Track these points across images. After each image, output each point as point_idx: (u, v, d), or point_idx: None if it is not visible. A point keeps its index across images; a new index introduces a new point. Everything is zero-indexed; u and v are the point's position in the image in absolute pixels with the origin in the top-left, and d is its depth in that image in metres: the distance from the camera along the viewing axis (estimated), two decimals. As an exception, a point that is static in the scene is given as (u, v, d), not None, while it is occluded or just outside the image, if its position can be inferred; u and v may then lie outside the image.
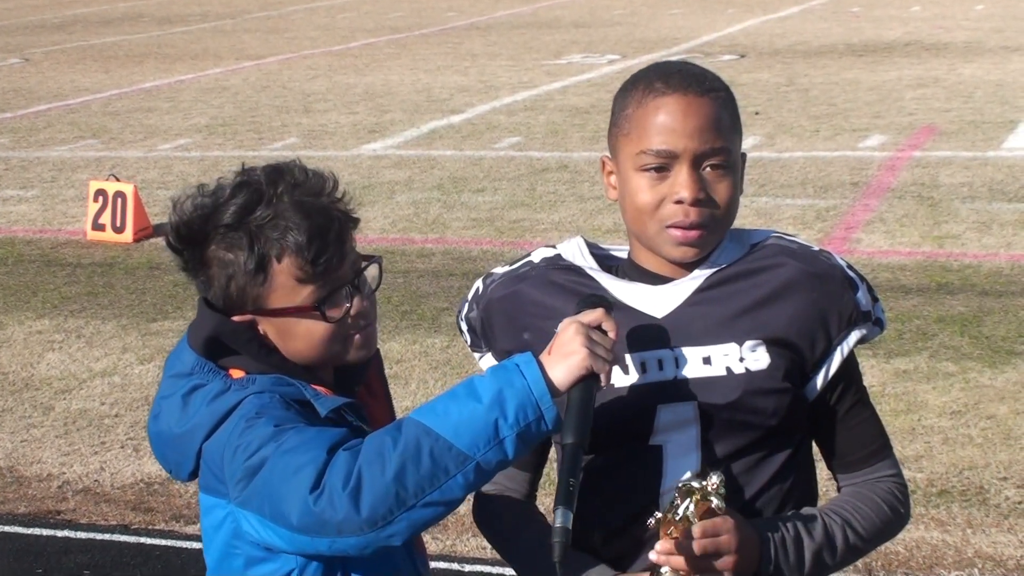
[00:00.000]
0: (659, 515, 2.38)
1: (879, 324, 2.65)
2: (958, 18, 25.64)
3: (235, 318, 2.62)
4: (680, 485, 2.37)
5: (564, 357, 2.36)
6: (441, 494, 2.33)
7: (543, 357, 2.38)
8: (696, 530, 2.37)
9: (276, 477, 2.38)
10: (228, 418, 2.53)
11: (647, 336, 2.56)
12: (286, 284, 2.58)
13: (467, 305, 2.77)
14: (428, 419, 2.34)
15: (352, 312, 2.63)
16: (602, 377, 2.38)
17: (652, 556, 2.40)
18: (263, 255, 2.55)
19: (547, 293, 2.62)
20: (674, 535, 2.38)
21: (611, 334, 2.42)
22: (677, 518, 2.37)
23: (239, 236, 2.56)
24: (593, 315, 2.42)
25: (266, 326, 2.63)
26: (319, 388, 2.62)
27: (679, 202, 2.51)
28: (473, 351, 2.78)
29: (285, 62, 24.10)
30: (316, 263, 2.56)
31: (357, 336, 2.67)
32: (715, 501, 2.36)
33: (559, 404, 2.36)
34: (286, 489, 2.36)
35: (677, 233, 2.54)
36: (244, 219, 2.56)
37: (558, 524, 2.26)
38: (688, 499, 2.36)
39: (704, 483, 2.35)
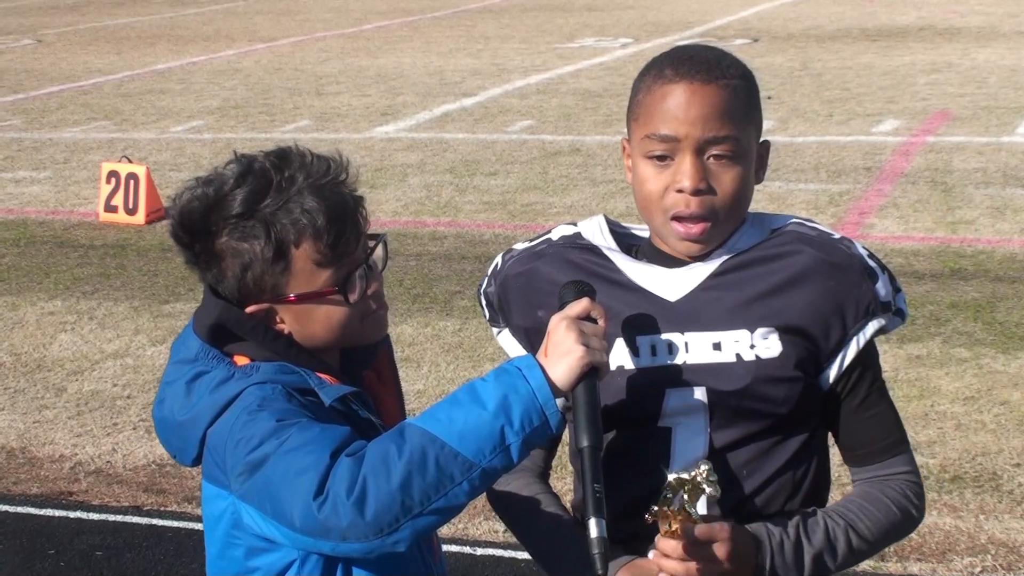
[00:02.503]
0: (655, 509, 2.37)
1: (900, 315, 2.61)
2: (972, 3, 25.56)
3: (251, 307, 2.59)
4: (671, 479, 2.35)
5: (562, 357, 2.33)
6: (446, 501, 2.31)
7: (540, 358, 2.35)
8: (697, 531, 2.37)
9: (278, 477, 2.36)
10: (230, 407, 2.50)
11: (658, 320, 2.54)
12: (305, 269, 2.54)
13: (487, 280, 2.76)
14: (432, 426, 2.32)
15: (369, 292, 2.62)
16: (602, 370, 2.37)
17: (651, 555, 2.41)
18: (281, 242, 2.51)
19: (562, 271, 2.60)
20: (672, 528, 2.37)
21: (600, 322, 2.40)
22: (671, 510, 2.35)
23: (252, 225, 2.52)
24: (580, 306, 2.40)
25: (284, 313, 2.60)
26: (324, 376, 2.59)
27: (680, 191, 2.49)
28: (491, 326, 2.77)
29: (298, 44, 24.09)
30: (335, 246, 2.54)
31: (372, 316, 2.65)
32: (708, 490, 2.34)
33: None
34: (288, 491, 2.34)
35: (679, 228, 2.52)
36: (255, 207, 2.52)
37: (594, 535, 2.23)
38: (680, 491, 2.35)
39: (693, 473, 2.34)
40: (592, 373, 2.35)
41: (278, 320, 2.61)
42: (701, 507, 2.45)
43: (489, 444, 2.29)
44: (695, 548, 2.37)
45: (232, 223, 2.53)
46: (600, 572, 2.22)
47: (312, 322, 2.60)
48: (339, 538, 2.31)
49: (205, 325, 2.60)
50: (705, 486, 2.33)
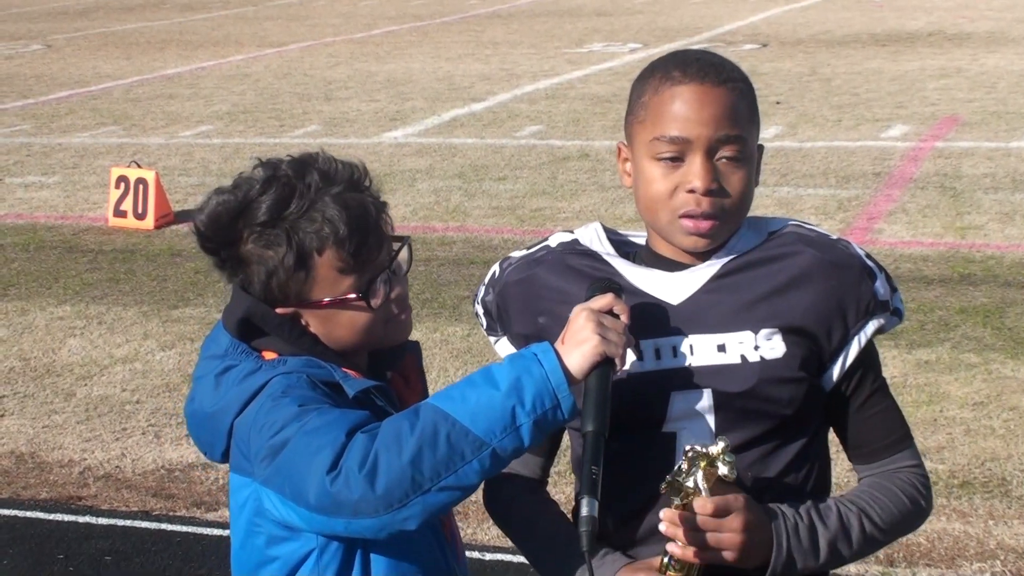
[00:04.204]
0: (669, 479, 2.38)
1: (897, 314, 2.63)
2: (981, 8, 25.55)
3: (278, 310, 2.65)
4: (687, 451, 2.36)
5: (577, 345, 2.37)
6: (457, 479, 2.34)
7: (557, 346, 2.39)
8: (703, 505, 2.36)
9: (297, 457, 2.41)
10: (257, 397, 2.56)
11: (662, 323, 2.55)
12: (328, 276, 2.61)
13: (483, 288, 2.77)
14: (446, 404, 2.37)
15: (393, 296, 2.69)
16: (617, 361, 2.39)
17: (661, 527, 2.40)
18: (303, 250, 2.58)
19: (563, 278, 2.62)
20: (683, 502, 2.38)
21: (623, 318, 2.42)
22: (685, 484, 2.36)
23: (276, 233, 2.58)
24: (603, 300, 2.43)
25: (309, 317, 2.67)
26: (349, 371, 2.65)
27: (691, 191, 2.50)
28: (488, 335, 2.78)
29: (307, 49, 24.12)
30: (358, 253, 2.60)
31: (396, 318, 2.71)
32: (722, 469, 2.34)
33: (576, 392, 2.37)
34: (305, 469, 2.39)
35: (688, 223, 2.53)
36: (279, 215, 2.58)
37: (584, 513, 2.26)
38: (695, 465, 2.35)
39: (710, 448, 2.35)
40: (606, 364, 2.38)
41: (305, 323, 2.68)
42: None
43: (500, 424, 2.33)
44: (709, 519, 2.37)
45: (257, 231, 2.60)
46: (585, 548, 2.25)
47: (337, 326, 2.67)
48: (351, 513, 2.36)
49: (233, 320, 2.67)
50: (720, 463, 2.34)
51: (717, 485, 2.38)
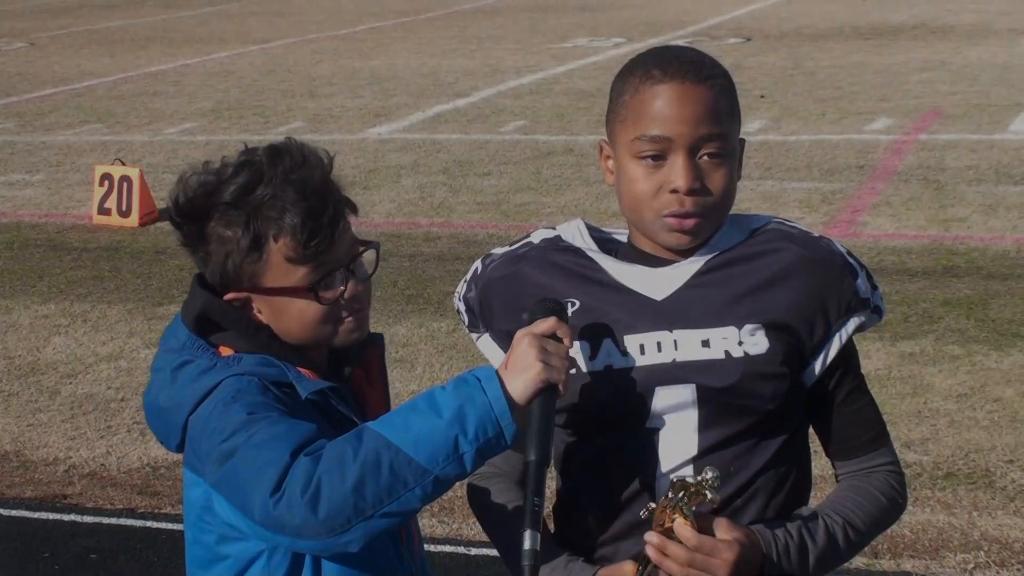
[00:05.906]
0: (652, 506, 2.39)
1: (878, 312, 2.63)
2: (964, 1, 25.59)
3: (230, 294, 2.66)
4: (674, 480, 2.37)
5: (520, 372, 2.37)
6: (399, 505, 2.36)
7: (501, 371, 2.39)
8: (692, 541, 2.37)
9: (243, 471, 2.43)
10: (209, 396, 2.57)
11: (646, 318, 2.54)
12: (279, 263, 2.61)
13: (465, 285, 2.76)
14: (388, 432, 2.37)
15: (346, 295, 2.67)
16: (560, 387, 2.39)
17: (648, 551, 2.41)
18: (259, 234, 2.59)
19: (547, 274, 2.61)
20: (667, 526, 2.38)
21: (566, 341, 2.41)
22: (667, 507, 2.37)
23: (238, 214, 2.60)
24: (546, 324, 2.41)
25: (260, 304, 2.67)
26: (304, 371, 2.65)
27: (675, 191, 2.49)
28: (470, 331, 2.77)
29: (291, 46, 24.09)
30: (308, 245, 2.59)
31: (349, 319, 2.69)
32: (710, 495, 2.35)
33: (521, 417, 2.38)
34: (250, 486, 2.41)
35: (672, 222, 2.52)
36: (244, 198, 2.60)
37: (527, 547, 2.26)
38: (681, 493, 2.36)
39: (699, 478, 2.35)
40: (549, 390, 2.37)
41: (256, 310, 2.68)
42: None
43: (443, 452, 2.35)
44: (697, 556, 2.38)
45: (221, 210, 2.62)
46: None
47: (287, 317, 2.66)
48: (294, 534, 2.39)
49: (191, 315, 2.69)
50: (707, 492, 2.34)
51: (703, 517, 2.39)
